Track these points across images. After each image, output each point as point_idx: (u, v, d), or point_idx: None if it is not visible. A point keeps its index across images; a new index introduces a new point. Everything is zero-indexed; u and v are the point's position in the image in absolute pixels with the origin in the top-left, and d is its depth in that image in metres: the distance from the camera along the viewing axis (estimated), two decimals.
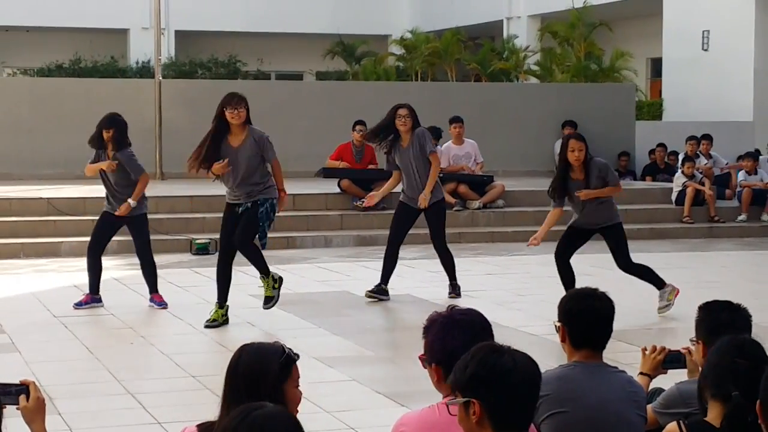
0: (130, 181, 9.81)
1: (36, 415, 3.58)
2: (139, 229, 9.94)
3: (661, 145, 20.07)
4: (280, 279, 9.34)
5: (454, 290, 10.51)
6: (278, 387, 3.34)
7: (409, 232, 10.73)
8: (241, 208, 9.08)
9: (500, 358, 3.06)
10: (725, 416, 3.43)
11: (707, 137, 19.19)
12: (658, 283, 9.66)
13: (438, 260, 10.65)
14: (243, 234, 9.05)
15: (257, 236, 9.09)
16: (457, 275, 10.58)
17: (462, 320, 3.69)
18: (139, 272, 10.07)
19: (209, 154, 9.01)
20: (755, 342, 3.63)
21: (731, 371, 3.48)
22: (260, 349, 3.43)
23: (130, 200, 9.78)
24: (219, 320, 9.14)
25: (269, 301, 9.28)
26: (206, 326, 9.05)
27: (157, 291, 9.98)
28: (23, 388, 3.59)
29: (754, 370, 3.39)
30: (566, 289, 8.93)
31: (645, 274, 9.68)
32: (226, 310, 9.22)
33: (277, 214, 9.30)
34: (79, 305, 9.85)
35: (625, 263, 9.60)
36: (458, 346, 3.45)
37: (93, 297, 9.92)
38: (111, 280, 10.99)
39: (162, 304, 9.90)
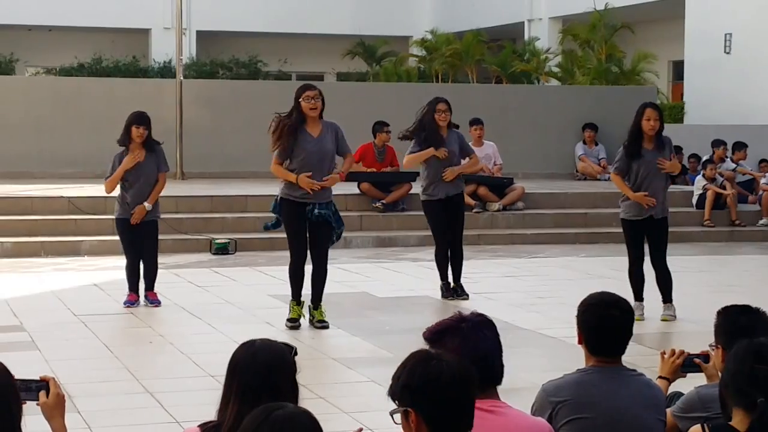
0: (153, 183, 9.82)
1: (55, 411, 3.59)
2: (154, 233, 9.91)
3: (678, 146, 19.96)
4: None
5: (456, 292, 10.42)
6: (295, 380, 3.38)
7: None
8: (315, 211, 8.93)
9: (427, 366, 3.08)
10: (752, 424, 3.40)
11: (742, 145, 18.99)
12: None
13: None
14: (325, 246, 8.98)
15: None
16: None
17: (463, 328, 3.76)
18: (161, 271, 10.07)
19: (288, 143, 8.80)
20: None
21: (751, 378, 3.45)
22: (272, 345, 3.45)
23: (146, 203, 9.73)
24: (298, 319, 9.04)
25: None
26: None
27: (153, 289, 9.95)
28: (43, 384, 3.60)
29: None
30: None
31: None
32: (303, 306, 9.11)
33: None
34: (133, 304, 9.83)
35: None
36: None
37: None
38: None
39: (155, 302, 9.87)
